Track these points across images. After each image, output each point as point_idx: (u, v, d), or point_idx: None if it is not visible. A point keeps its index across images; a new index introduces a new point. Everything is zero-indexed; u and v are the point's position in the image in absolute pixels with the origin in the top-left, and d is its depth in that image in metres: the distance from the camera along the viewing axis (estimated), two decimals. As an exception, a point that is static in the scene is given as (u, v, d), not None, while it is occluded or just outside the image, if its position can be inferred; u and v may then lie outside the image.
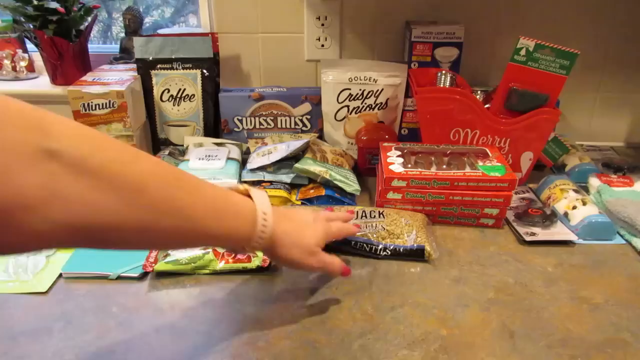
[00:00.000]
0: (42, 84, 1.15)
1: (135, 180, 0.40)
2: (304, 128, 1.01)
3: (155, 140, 1.02)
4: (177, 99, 0.99)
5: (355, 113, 0.97)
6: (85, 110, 0.88)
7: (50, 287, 0.63)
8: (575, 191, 0.80)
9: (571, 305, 0.61)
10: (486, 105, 0.85)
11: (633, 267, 0.68)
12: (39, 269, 0.65)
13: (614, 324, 0.58)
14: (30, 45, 1.19)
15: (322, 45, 1.06)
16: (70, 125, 0.37)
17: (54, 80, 1.11)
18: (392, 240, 0.69)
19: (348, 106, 0.96)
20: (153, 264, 0.65)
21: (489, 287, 0.64)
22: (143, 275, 0.65)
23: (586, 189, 0.85)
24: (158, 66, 0.97)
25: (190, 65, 0.97)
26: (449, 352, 0.53)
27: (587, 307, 0.60)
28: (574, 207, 0.76)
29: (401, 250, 0.68)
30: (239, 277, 0.65)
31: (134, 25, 1.12)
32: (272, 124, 1.00)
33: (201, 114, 1.00)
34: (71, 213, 0.35)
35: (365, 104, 0.96)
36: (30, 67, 1.20)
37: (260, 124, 1.00)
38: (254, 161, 0.87)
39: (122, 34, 1.16)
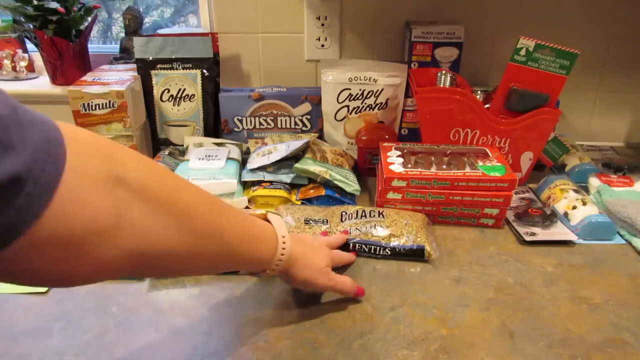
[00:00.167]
0: (42, 84, 1.15)
1: (187, 206, 0.41)
2: (304, 128, 1.01)
3: (155, 140, 1.02)
4: (177, 99, 0.99)
5: (355, 113, 0.97)
6: (85, 110, 0.88)
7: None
8: (575, 191, 0.80)
9: (571, 305, 0.61)
10: (486, 105, 0.85)
11: (633, 267, 0.68)
12: (39, 269, 0.65)
13: (614, 324, 0.58)
14: (30, 45, 1.19)
15: (322, 45, 1.06)
16: (131, 153, 0.39)
17: (54, 80, 1.11)
18: (392, 240, 0.69)
19: (348, 106, 0.96)
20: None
21: (489, 287, 0.64)
22: (143, 275, 0.65)
23: (586, 189, 0.85)
24: (158, 66, 0.97)
25: (190, 65, 0.97)
26: (449, 352, 0.53)
27: (587, 307, 0.60)
28: (574, 207, 0.76)
29: (401, 250, 0.68)
30: (239, 277, 0.65)
31: (134, 25, 1.12)
32: (272, 124, 1.00)
33: (201, 114, 1.00)
34: (135, 239, 0.36)
35: (365, 104, 0.96)
36: (30, 67, 1.20)
37: (260, 124, 1.00)
38: (254, 161, 0.87)
39: (122, 34, 1.16)
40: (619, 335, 0.56)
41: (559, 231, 0.74)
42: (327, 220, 0.73)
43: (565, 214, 0.77)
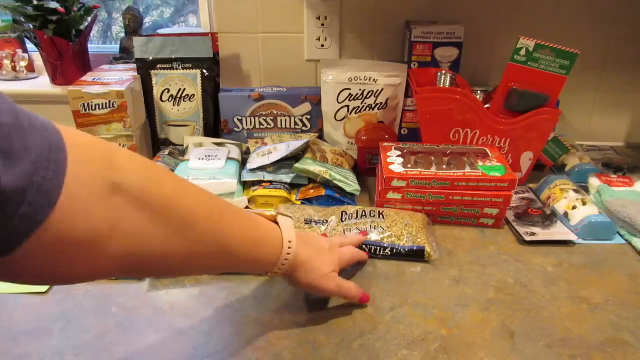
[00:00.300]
0: (42, 84, 1.15)
1: (186, 213, 0.41)
2: (304, 128, 1.01)
3: (155, 140, 1.02)
4: (177, 99, 0.99)
5: (355, 113, 0.97)
6: (85, 110, 0.88)
7: (50, 287, 0.63)
8: (575, 191, 0.80)
9: (571, 305, 0.61)
10: (486, 105, 0.85)
11: (633, 267, 0.68)
12: (39, 269, 0.65)
13: (614, 324, 0.58)
14: (30, 45, 1.19)
15: (322, 45, 1.06)
16: (133, 157, 0.39)
17: (54, 80, 1.11)
18: (392, 241, 0.69)
19: (348, 106, 0.96)
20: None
21: (489, 287, 0.64)
22: (143, 275, 0.65)
23: (586, 189, 0.85)
24: (158, 66, 0.97)
25: (190, 65, 0.97)
26: (449, 352, 0.53)
27: (587, 307, 0.60)
28: (574, 207, 0.76)
29: (401, 250, 0.68)
30: (239, 277, 0.65)
31: (134, 25, 1.12)
32: (272, 124, 1.00)
33: (201, 114, 1.00)
34: (129, 245, 0.37)
35: (365, 104, 0.96)
36: (30, 67, 1.20)
37: (260, 124, 1.00)
38: (254, 161, 0.87)
39: (122, 34, 1.16)
40: (619, 335, 0.56)
41: (559, 231, 0.74)
42: (327, 221, 0.73)
43: (565, 214, 0.77)
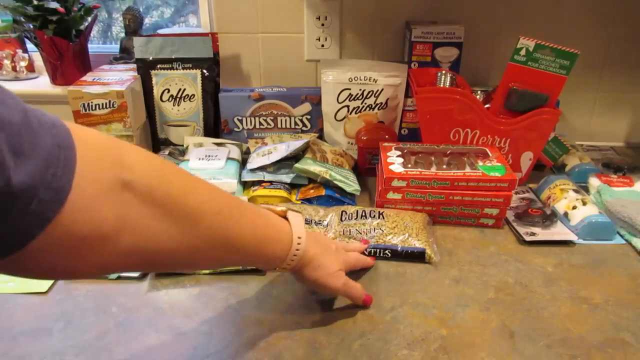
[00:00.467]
0: (42, 84, 1.15)
1: (194, 210, 0.41)
2: (304, 128, 1.01)
3: (155, 140, 1.02)
4: (177, 99, 0.99)
5: (355, 113, 0.97)
6: (85, 110, 0.88)
7: (50, 287, 0.63)
8: (575, 191, 0.80)
9: (571, 305, 0.61)
10: (486, 105, 0.85)
11: (633, 267, 0.68)
12: (39, 269, 0.65)
13: (614, 324, 0.58)
14: (30, 45, 1.19)
15: (322, 45, 1.06)
16: (141, 154, 0.39)
17: (54, 80, 1.11)
18: (392, 243, 0.69)
19: (348, 106, 0.96)
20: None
21: (489, 287, 0.64)
22: (143, 275, 0.65)
23: (586, 189, 0.85)
24: (158, 66, 0.97)
25: (190, 65, 0.97)
26: (449, 352, 0.53)
27: (587, 307, 0.60)
28: (574, 207, 0.76)
29: (402, 252, 0.68)
30: (239, 277, 0.65)
31: (134, 25, 1.12)
32: (272, 124, 1.00)
33: (201, 114, 1.00)
34: (137, 242, 0.37)
35: (365, 104, 0.96)
36: (30, 67, 1.20)
37: (260, 124, 1.00)
38: (254, 161, 0.87)
39: (122, 34, 1.16)
40: (619, 335, 0.56)
41: (559, 231, 0.74)
42: (326, 221, 0.73)
43: (565, 214, 0.77)
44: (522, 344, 0.54)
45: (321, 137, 0.99)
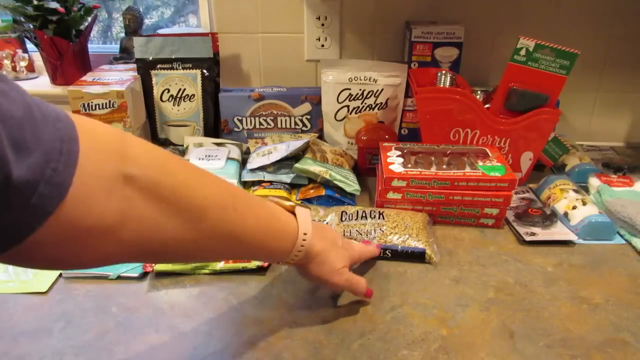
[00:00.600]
0: (42, 84, 1.15)
1: (198, 204, 0.41)
2: (304, 128, 1.01)
3: (155, 140, 1.02)
4: (177, 99, 0.99)
5: (355, 113, 0.97)
6: (85, 110, 0.88)
7: (50, 287, 0.63)
8: (575, 191, 0.80)
9: (571, 305, 0.61)
10: (486, 105, 0.85)
11: (633, 267, 0.68)
12: (39, 269, 0.65)
13: (614, 324, 0.58)
14: (30, 45, 1.19)
15: (322, 45, 1.06)
16: (146, 148, 0.39)
17: (54, 80, 1.11)
18: (392, 243, 0.69)
19: (348, 106, 0.96)
20: (153, 264, 0.65)
21: (489, 287, 0.64)
22: (143, 275, 0.65)
23: (586, 189, 0.85)
24: (158, 66, 0.97)
25: (190, 65, 0.97)
26: (449, 352, 0.53)
27: (587, 307, 0.60)
28: (574, 207, 0.76)
29: (402, 253, 0.68)
30: (239, 277, 0.65)
31: (134, 25, 1.12)
32: (272, 124, 1.00)
33: (201, 114, 1.00)
34: (140, 234, 0.37)
35: (365, 104, 0.96)
36: (30, 67, 1.20)
37: (260, 124, 1.00)
38: (254, 161, 0.87)
39: (122, 34, 1.16)
40: (619, 335, 0.56)
41: (559, 231, 0.74)
42: (326, 221, 0.73)
43: (565, 214, 0.77)
44: (522, 344, 0.54)
45: (321, 137, 0.99)
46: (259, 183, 0.84)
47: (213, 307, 0.60)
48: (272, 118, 0.99)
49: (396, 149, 0.83)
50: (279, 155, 0.85)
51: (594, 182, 0.85)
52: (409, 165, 0.78)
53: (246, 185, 0.86)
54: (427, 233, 0.71)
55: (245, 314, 0.59)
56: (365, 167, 0.94)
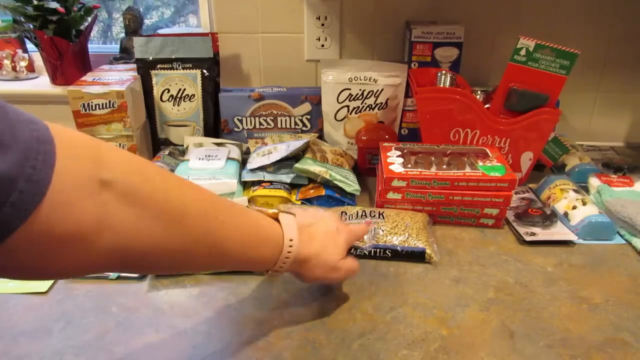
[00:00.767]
0: (42, 84, 1.15)
1: (176, 210, 0.40)
2: (304, 128, 1.01)
3: (155, 140, 1.02)
4: (177, 99, 0.99)
5: (355, 113, 0.97)
6: (85, 110, 0.88)
7: (50, 287, 0.63)
8: (575, 191, 0.80)
9: (571, 305, 0.61)
10: (486, 105, 0.85)
11: (633, 267, 0.68)
12: (39, 269, 0.65)
13: (614, 324, 0.58)
14: (30, 45, 1.19)
15: (322, 45, 1.06)
16: (122, 154, 0.38)
17: (54, 80, 1.11)
18: (392, 242, 0.69)
19: (348, 106, 0.96)
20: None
21: (488, 287, 0.64)
22: (143, 275, 0.65)
23: (586, 189, 0.85)
24: (158, 66, 0.97)
25: (190, 65, 0.97)
26: (449, 352, 0.53)
27: (587, 307, 0.60)
28: (574, 207, 0.76)
29: (402, 252, 0.68)
30: (238, 277, 0.65)
31: (134, 25, 1.12)
32: (272, 124, 1.00)
33: (201, 114, 1.00)
34: (118, 240, 0.36)
35: (365, 104, 0.96)
36: (30, 67, 1.20)
37: (260, 124, 1.00)
38: (254, 161, 0.87)
39: (122, 34, 1.16)
40: (619, 335, 0.56)
41: (559, 231, 0.74)
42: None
43: (565, 214, 0.77)
44: (522, 344, 0.54)
45: (321, 137, 0.99)
46: (259, 183, 0.84)
47: (213, 307, 0.60)
48: (272, 118, 0.99)
49: (396, 149, 0.83)
50: (279, 155, 0.85)
51: (594, 182, 0.85)
52: (409, 166, 0.78)
53: (246, 185, 0.86)
54: (427, 233, 0.71)
55: (245, 314, 0.59)
56: (365, 167, 0.94)
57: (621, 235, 0.75)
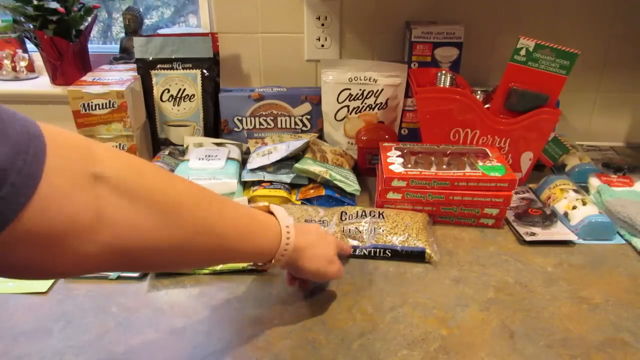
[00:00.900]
0: (42, 84, 1.15)
1: (172, 201, 0.41)
2: (304, 128, 1.01)
3: (155, 140, 1.02)
4: (177, 99, 0.99)
5: (355, 113, 0.97)
6: (85, 110, 0.88)
7: (50, 287, 0.63)
8: (575, 191, 0.80)
9: (571, 305, 0.61)
10: (486, 105, 0.85)
11: (633, 267, 0.68)
12: (39, 269, 0.65)
13: (614, 324, 0.58)
14: (30, 45, 1.19)
15: (322, 45, 1.06)
16: (112, 151, 0.38)
17: (54, 80, 1.11)
18: (392, 242, 0.69)
19: (348, 106, 0.96)
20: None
21: (488, 287, 0.64)
22: (143, 275, 0.65)
23: (586, 189, 0.85)
24: (158, 66, 0.97)
25: (190, 65, 0.97)
26: (449, 352, 0.53)
27: (587, 307, 0.60)
28: (574, 207, 0.76)
29: (402, 252, 0.68)
30: (239, 277, 0.65)
31: (134, 25, 1.12)
32: (272, 124, 1.00)
33: (201, 114, 1.00)
34: (116, 235, 0.36)
35: (365, 104, 0.96)
36: (30, 67, 1.20)
37: (260, 124, 1.00)
38: (254, 161, 0.87)
39: (122, 34, 1.16)
40: (619, 335, 0.56)
41: (559, 231, 0.74)
42: (326, 221, 0.73)
43: (565, 214, 0.77)
44: (522, 344, 0.54)
45: (321, 137, 0.99)
46: (259, 183, 0.84)
47: (213, 307, 0.60)
48: (272, 118, 0.99)
49: (396, 149, 0.83)
50: (279, 155, 0.85)
51: (594, 182, 0.85)
52: (409, 166, 0.78)
53: (246, 185, 0.86)
54: (427, 233, 0.71)
55: (245, 313, 0.59)
56: (365, 167, 0.94)
57: (621, 235, 0.75)
